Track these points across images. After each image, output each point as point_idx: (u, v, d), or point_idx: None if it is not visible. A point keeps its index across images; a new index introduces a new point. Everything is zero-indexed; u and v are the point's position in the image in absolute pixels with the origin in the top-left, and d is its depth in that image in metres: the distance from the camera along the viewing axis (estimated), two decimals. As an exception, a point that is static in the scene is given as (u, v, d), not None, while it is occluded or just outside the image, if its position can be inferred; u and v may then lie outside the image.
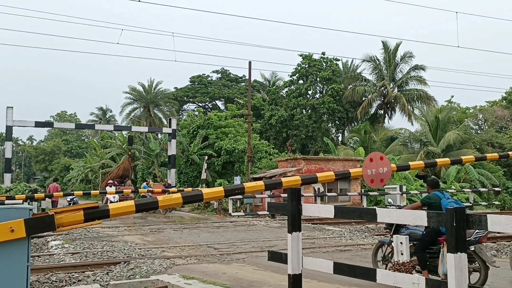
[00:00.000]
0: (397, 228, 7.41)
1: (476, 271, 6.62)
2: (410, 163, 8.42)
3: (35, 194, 11.43)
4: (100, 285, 7.36)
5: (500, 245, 12.17)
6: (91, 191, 25.25)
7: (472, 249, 6.62)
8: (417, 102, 41.35)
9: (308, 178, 6.92)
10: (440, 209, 6.47)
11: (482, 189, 27.93)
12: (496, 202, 27.49)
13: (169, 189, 23.95)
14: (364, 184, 26.91)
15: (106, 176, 31.62)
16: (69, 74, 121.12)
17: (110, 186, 24.16)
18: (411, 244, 7.00)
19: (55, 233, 16.02)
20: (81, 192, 22.03)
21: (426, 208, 6.75)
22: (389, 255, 7.53)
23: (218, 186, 25.82)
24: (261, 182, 6.11)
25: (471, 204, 25.53)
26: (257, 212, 22.72)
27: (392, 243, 7.17)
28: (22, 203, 18.14)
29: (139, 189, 27.33)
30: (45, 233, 14.75)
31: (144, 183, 25.37)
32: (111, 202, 23.00)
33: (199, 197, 5.67)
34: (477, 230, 6.42)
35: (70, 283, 7.76)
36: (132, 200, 29.46)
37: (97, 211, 5.03)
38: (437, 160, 8.30)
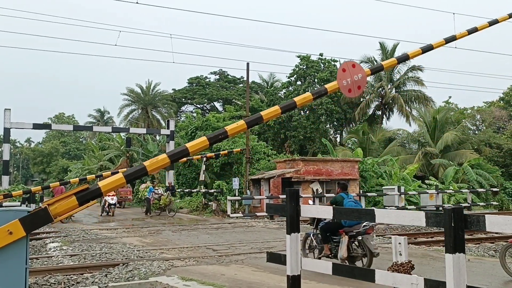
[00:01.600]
0: (318, 222, 9.16)
1: (365, 256, 8.38)
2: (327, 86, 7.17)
3: (32, 188, 11.41)
4: (99, 287, 7.35)
5: (498, 245, 12.20)
6: (70, 180, 24.74)
7: (360, 238, 8.33)
8: (415, 103, 41.45)
9: (251, 119, 6.40)
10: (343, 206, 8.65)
11: (480, 190, 27.98)
12: (494, 203, 27.54)
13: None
14: (362, 185, 26.95)
15: (103, 178, 31.47)
16: (67, 76, 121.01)
17: None
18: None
19: (52, 225, 16.03)
20: (58, 183, 20.84)
21: (334, 205, 8.61)
22: (313, 244, 9.40)
23: (216, 188, 25.76)
24: (203, 138, 5.94)
25: (469, 205, 25.57)
26: (256, 213, 22.70)
27: (314, 235, 9.30)
28: (20, 204, 18.14)
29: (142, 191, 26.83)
30: (44, 235, 14.73)
31: (150, 186, 25.16)
32: (109, 204, 22.89)
33: (184, 152, 5.68)
34: (365, 223, 8.32)
35: (68, 285, 7.74)
36: (130, 196, 28.89)
37: (88, 192, 5.03)
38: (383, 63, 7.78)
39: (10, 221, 4.69)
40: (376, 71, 7.64)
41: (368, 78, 36.54)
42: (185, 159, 25.08)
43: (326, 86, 6.93)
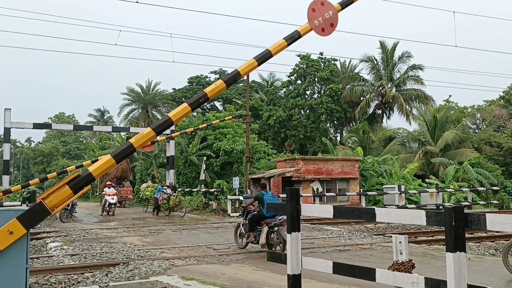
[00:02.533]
0: (247, 214, 11.12)
1: (280, 244, 9.88)
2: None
3: (30, 181, 11.32)
4: (99, 286, 7.36)
5: (498, 244, 12.21)
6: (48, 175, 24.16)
7: (276, 229, 10.07)
8: (415, 102, 41.43)
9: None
10: (263, 202, 10.35)
11: (480, 188, 27.97)
12: (495, 201, 27.53)
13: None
14: (363, 184, 26.95)
15: (104, 178, 31.36)
16: (67, 75, 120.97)
17: (109, 187, 23.96)
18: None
19: (52, 225, 16.05)
20: (55, 173, 20.05)
21: (257, 201, 10.84)
22: (243, 232, 11.17)
23: (216, 187, 25.71)
24: (184, 104, 5.76)
25: (469, 204, 25.57)
26: (256, 212, 22.70)
27: (244, 225, 11.15)
28: (21, 203, 18.14)
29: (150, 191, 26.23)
30: (44, 235, 14.74)
31: (159, 186, 24.62)
32: (109, 203, 22.74)
33: (168, 122, 5.66)
34: (281, 216, 9.93)
35: (69, 284, 7.74)
36: (130, 196, 28.64)
37: (80, 179, 5.03)
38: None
39: (9, 221, 4.69)
40: (346, 5, 7.03)
41: (368, 77, 35.95)
42: (178, 133, 24.85)
43: (299, 29, 6.52)
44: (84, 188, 5.08)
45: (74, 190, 4.98)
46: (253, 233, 10.71)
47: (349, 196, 24.99)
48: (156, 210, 23.08)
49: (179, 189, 27.27)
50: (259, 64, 6.22)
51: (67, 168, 16.52)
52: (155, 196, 23.71)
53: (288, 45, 6.42)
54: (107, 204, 22.93)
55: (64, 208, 20.28)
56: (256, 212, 10.91)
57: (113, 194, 23.24)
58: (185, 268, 8.80)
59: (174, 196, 22.85)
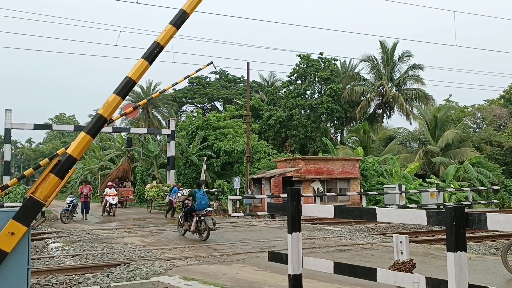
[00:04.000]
0: (184, 208, 14.59)
1: (206, 230, 13.00)
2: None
3: (24, 172, 11.25)
4: (101, 287, 7.36)
5: (499, 243, 12.21)
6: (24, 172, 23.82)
7: (203, 219, 13.00)
8: (415, 101, 41.42)
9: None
10: (195, 198, 13.40)
11: (481, 188, 27.98)
12: (495, 201, 27.52)
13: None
14: (363, 184, 26.95)
15: (105, 178, 31.31)
16: (67, 76, 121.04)
17: (110, 188, 23.80)
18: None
19: (53, 225, 16.05)
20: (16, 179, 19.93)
21: (191, 197, 13.90)
22: (181, 222, 14.22)
23: (217, 187, 25.48)
24: (141, 60, 5.43)
25: (470, 203, 25.56)
26: (257, 212, 22.72)
27: (182, 217, 14.35)
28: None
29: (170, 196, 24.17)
30: (45, 236, 14.75)
31: (175, 187, 23.08)
32: (110, 204, 22.63)
33: (130, 82, 5.41)
34: (207, 209, 13.21)
35: (70, 285, 7.75)
36: (131, 196, 28.34)
37: (62, 163, 4.98)
38: None
39: (6, 222, 4.70)
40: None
41: (368, 77, 35.82)
42: (157, 93, 22.91)
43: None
44: (69, 171, 5.02)
45: (60, 176, 4.92)
46: (187, 223, 13.77)
47: (349, 196, 24.99)
48: (171, 212, 22.13)
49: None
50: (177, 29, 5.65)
51: (41, 163, 16.71)
52: (169, 198, 22.71)
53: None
54: (107, 204, 22.81)
55: (64, 209, 20.41)
56: (190, 206, 13.88)
57: (114, 195, 23.05)
58: (186, 268, 8.80)
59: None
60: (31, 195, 4.84)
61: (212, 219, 13.29)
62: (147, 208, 26.19)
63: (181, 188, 22.92)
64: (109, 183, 25.84)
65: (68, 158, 5.00)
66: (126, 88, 5.38)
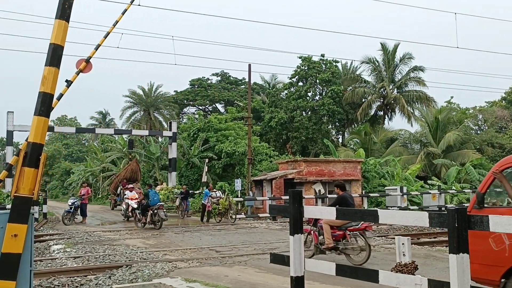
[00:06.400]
0: (141, 205, 18.08)
1: (159, 222, 16.92)
2: None
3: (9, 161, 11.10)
4: (103, 289, 7.37)
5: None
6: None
7: (156, 212, 16.79)
8: (416, 103, 41.40)
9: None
10: (149, 197, 17.40)
11: (482, 190, 27.85)
12: (497, 203, 27.44)
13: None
14: (365, 186, 26.93)
15: (113, 179, 30.53)
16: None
17: (131, 191, 21.26)
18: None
19: (55, 227, 16.07)
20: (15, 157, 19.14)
21: (145, 196, 17.94)
22: (139, 217, 18.01)
23: (219, 189, 25.29)
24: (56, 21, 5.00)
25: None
26: (258, 214, 22.71)
27: (140, 212, 18.15)
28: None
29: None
30: (47, 237, 14.77)
31: (206, 190, 21.89)
32: (133, 208, 19.67)
33: (58, 50, 5.26)
34: (158, 203, 17.23)
35: (72, 287, 7.76)
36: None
37: (30, 154, 4.86)
38: None
39: (3, 226, 4.72)
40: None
41: (369, 79, 35.88)
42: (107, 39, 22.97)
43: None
44: (39, 159, 4.95)
45: (34, 165, 4.85)
46: (144, 217, 17.43)
47: (351, 197, 24.91)
48: (206, 217, 20.58)
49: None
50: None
51: (129, 195, 20.62)
52: (202, 202, 21.49)
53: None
54: (130, 209, 20.23)
55: (66, 211, 20.36)
56: (145, 204, 17.52)
57: (136, 198, 20.45)
58: (188, 270, 8.81)
59: (223, 199, 20.37)
60: (15, 194, 4.81)
61: (164, 211, 17.17)
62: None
63: (214, 190, 21.92)
64: (130, 186, 23.18)
65: (33, 146, 4.90)
66: (56, 56, 5.17)
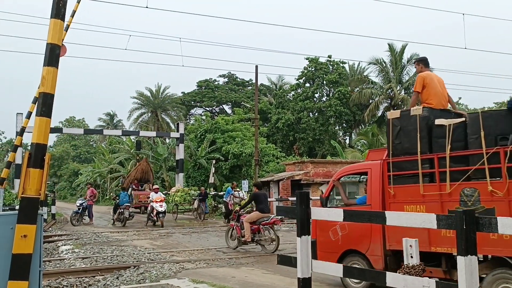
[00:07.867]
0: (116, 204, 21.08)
1: (127, 218, 20.08)
2: None
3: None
4: (111, 289, 7.41)
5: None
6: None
7: (122, 211, 19.94)
8: (424, 104, 41.14)
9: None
10: (120, 198, 20.79)
11: (491, 191, 27.62)
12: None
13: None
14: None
15: (124, 180, 29.84)
16: (77, 80, 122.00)
17: (156, 192, 20.19)
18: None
19: (64, 228, 16.18)
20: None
21: (117, 197, 21.74)
22: (112, 214, 21.38)
23: (225, 190, 25.23)
24: None
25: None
26: (265, 215, 22.62)
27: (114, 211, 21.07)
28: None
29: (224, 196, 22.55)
30: (56, 238, 14.87)
31: (228, 188, 21.40)
32: (158, 212, 18.94)
33: (54, 49, 5.09)
34: (125, 204, 20.16)
35: (81, 287, 7.82)
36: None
37: (35, 154, 4.88)
38: None
39: (12, 227, 4.75)
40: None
41: (377, 80, 35.61)
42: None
43: None
44: (44, 159, 4.96)
45: (39, 166, 4.89)
46: (116, 214, 20.23)
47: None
48: (226, 216, 19.99)
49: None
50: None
51: (154, 197, 19.71)
52: (224, 200, 20.97)
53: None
54: (154, 212, 19.10)
55: (74, 212, 20.50)
56: (117, 202, 20.49)
57: (161, 201, 19.28)
58: (195, 271, 8.84)
59: (245, 200, 19.55)
60: (22, 195, 4.85)
61: (129, 211, 20.12)
62: (172, 214, 22.94)
63: (237, 189, 21.41)
64: (155, 187, 21.80)
65: (37, 147, 4.93)
66: (54, 55, 5.13)
